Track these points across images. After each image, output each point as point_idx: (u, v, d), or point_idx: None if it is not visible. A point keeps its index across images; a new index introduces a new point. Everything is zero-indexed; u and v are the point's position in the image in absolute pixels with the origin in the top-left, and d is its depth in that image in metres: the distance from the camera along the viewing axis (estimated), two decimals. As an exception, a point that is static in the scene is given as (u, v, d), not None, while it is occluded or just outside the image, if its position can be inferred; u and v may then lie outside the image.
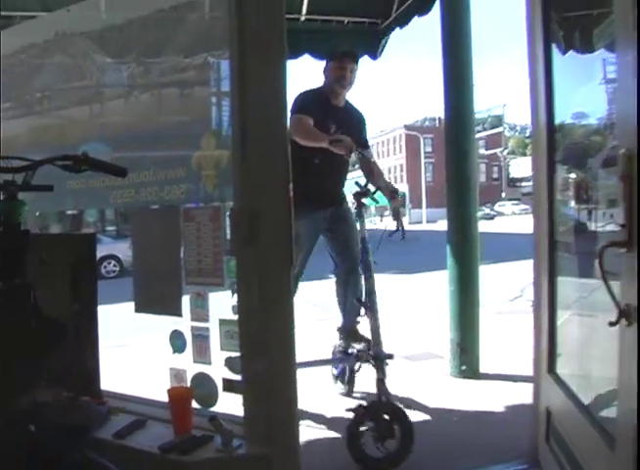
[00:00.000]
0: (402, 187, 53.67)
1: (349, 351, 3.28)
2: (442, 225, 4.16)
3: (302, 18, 4.76)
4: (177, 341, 2.39)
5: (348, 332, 3.38)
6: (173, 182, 2.33)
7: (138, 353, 4.48)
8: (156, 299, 2.40)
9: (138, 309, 2.47)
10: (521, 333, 3.57)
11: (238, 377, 2.19)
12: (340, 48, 3.67)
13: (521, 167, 61.33)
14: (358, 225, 3.13)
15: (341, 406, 2.94)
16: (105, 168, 1.90)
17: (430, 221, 40.27)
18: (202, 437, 2.15)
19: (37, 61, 2.82)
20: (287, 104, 2.09)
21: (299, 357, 2.16)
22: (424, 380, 3.80)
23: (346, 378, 3.51)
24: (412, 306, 6.93)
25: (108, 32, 2.55)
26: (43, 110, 2.82)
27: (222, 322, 2.25)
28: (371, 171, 3.37)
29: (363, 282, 3.09)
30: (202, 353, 2.31)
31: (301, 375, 2.79)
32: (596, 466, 1.73)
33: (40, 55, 2.81)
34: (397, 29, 4.71)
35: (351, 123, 3.48)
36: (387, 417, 2.57)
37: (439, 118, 57.47)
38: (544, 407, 2.32)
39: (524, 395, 2.82)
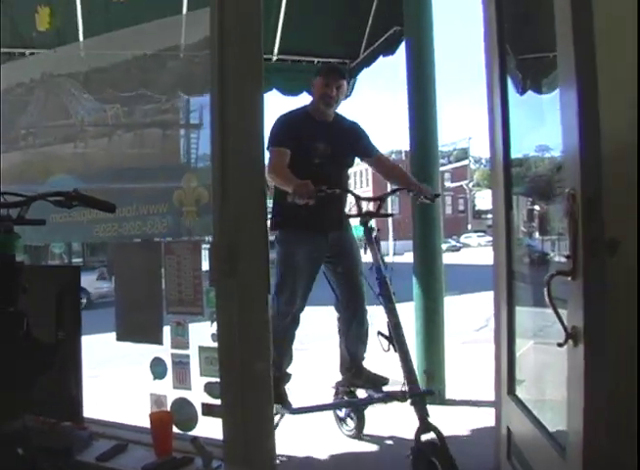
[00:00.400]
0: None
1: (352, 389, 3.20)
2: (410, 257, 4.28)
3: (274, 58, 4.97)
4: (158, 368, 2.51)
5: (355, 370, 3.22)
6: (156, 217, 2.47)
7: (116, 382, 4.50)
8: (137, 328, 2.50)
9: (120, 338, 2.57)
10: (485, 361, 3.71)
11: (217, 401, 2.31)
12: (327, 64, 3.57)
13: (486, 199, 62.24)
14: (368, 253, 2.91)
15: (352, 450, 3.00)
16: (95, 204, 2.03)
17: (397, 254, 40.65)
18: (182, 458, 2.26)
19: (23, 99, 2.95)
20: (263, 144, 2.26)
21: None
22: (393, 407, 3.92)
23: (355, 419, 3.31)
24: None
25: (93, 74, 2.70)
26: (27, 146, 2.94)
27: (202, 349, 2.36)
28: (395, 174, 3.41)
29: (386, 315, 2.80)
30: (182, 380, 2.43)
31: (299, 418, 2.91)
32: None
33: (26, 93, 2.94)
34: (364, 68, 4.98)
35: (344, 138, 3.28)
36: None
37: (405, 151, 58.45)
38: (505, 426, 2.47)
39: (487, 418, 2.96)
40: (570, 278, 1.63)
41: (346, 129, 3.35)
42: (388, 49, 4.63)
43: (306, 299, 3.12)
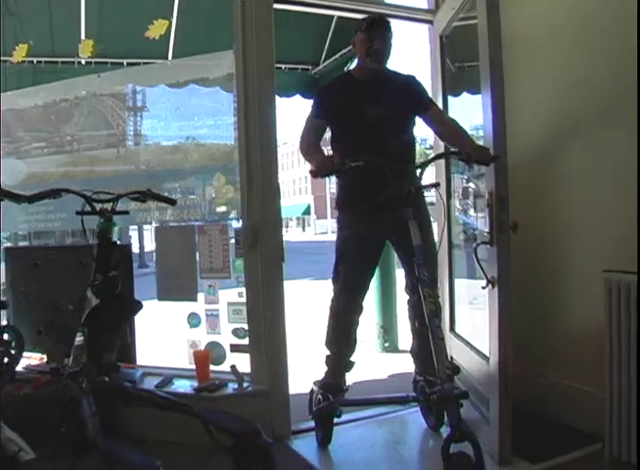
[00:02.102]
0: (307, 198, 55.44)
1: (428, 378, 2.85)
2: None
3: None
4: (193, 320, 3.33)
5: (423, 357, 2.93)
6: (191, 207, 3.29)
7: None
8: (176, 289, 3.31)
9: (161, 298, 3.37)
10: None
11: (242, 341, 3.17)
12: (368, 16, 3.06)
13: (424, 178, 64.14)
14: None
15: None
16: (162, 199, 2.83)
17: (335, 231, 41.75)
18: (219, 383, 3.11)
19: (68, 111, 3.67)
20: (276, 153, 3.09)
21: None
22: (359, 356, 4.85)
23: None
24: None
25: (133, 94, 3.47)
26: (73, 150, 3.68)
27: (230, 304, 3.21)
28: (452, 132, 2.89)
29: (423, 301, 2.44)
30: (213, 327, 3.27)
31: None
32: (479, 378, 2.85)
33: (70, 107, 3.67)
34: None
35: (398, 95, 2.94)
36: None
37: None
38: (450, 356, 3.42)
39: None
40: (489, 246, 2.57)
41: (400, 85, 3.01)
42: (350, 59, 5.47)
43: (366, 284, 3.02)
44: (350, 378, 3.10)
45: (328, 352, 3.07)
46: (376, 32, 2.90)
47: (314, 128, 2.95)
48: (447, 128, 2.96)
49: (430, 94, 3.19)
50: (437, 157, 3.09)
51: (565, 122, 3.05)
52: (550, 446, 2.71)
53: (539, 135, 3.16)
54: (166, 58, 4.35)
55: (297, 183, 58.26)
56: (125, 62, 4.29)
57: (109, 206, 2.68)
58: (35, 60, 4.23)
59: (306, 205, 54.55)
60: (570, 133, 3.03)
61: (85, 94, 3.60)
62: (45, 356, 3.57)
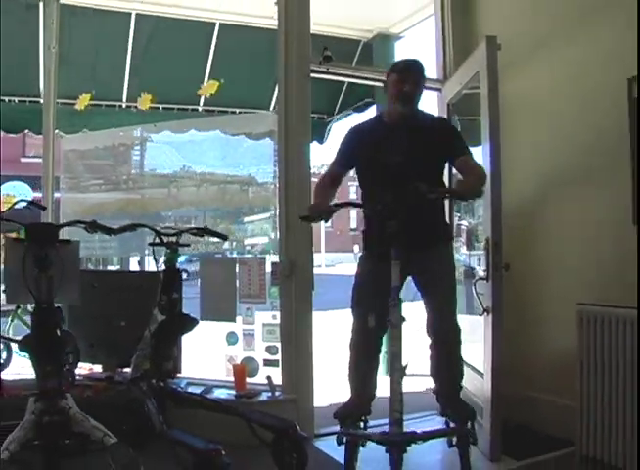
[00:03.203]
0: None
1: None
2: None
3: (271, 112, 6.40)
4: (232, 338, 3.88)
5: (441, 398, 3.10)
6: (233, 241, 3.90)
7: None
8: (218, 311, 3.87)
9: (204, 318, 3.91)
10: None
11: (273, 357, 3.72)
12: (402, 60, 3.14)
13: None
14: None
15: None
16: (216, 235, 3.42)
17: (328, 266, 42.41)
18: (255, 392, 3.65)
19: (125, 154, 4.28)
20: (310, 198, 3.67)
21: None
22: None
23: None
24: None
25: (184, 144, 4.08)
26: (128, 188, 4.27)
27: (265, 325, 3.78)
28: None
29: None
30: (249, 344, 3.83)
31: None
32: (474, 391, 3.42)
33: (126, 151, 4.28)
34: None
35: (425, 138, 2.92)
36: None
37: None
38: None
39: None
40: (485, 281, 3.17)
41: (430, 130, 3.00)
42: (360, 109, 6.13)
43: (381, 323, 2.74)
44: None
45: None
46: (409, 75, 2.95)
47: (333, 174, 3.12)
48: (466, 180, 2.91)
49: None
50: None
51: (552, 180, 3.68)
52: (532, 448, 3.25)
53: (530, 190, 3.78)
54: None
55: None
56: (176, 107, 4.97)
57: (173, 239, 3.27)
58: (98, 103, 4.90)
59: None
60: (555, 190, 3.65)
61: (141, 140, 4.20)
62: (93, 367, 4.09)
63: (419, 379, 4.55)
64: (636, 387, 2.75)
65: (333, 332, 4.86)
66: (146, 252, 4.19)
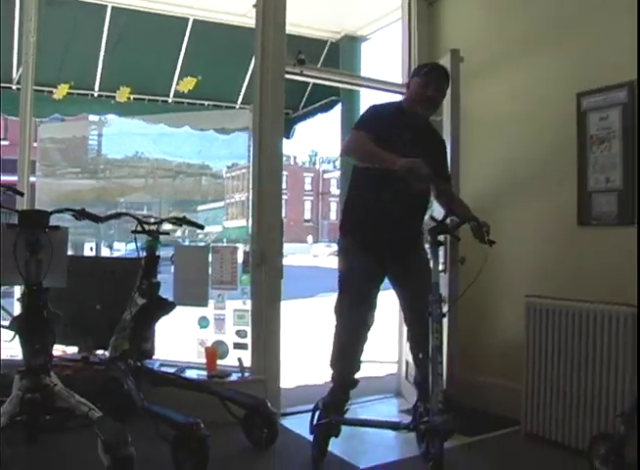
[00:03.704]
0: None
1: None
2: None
3: (237, 106, 6.60)
4: (203, 322, 4.10)
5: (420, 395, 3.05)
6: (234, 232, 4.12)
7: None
8: (191, 296, 4.06)
9: (178, 303, 4.10)
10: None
11: (243, 340, 3.95)
12: (428, 63, 3.22)
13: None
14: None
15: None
16: (192, 224, 3.62)
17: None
18: (225, 372, 3.88)
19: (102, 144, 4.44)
20: (281, 186, 3.91)
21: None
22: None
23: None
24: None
25: (163, 137, 4.26)
26: (105, 177, 4.43)
27: (235, 310, 4.00)
28: (452, 201, 3.04)
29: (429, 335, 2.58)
30: (220, 328, 4.05)
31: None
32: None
33: (104, 141, 4.43)
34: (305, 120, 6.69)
35: (430, 143, 3.05)
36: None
37: (294, 157, 61.07)
38: (404, 360, 4.29)
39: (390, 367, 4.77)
40: (443, 273, 3.47)
41: (435, 137, 3.18)
42: (325, 108, 6.37)
43: (371, 311, 3.03)
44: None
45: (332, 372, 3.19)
46: (433, 79, 2.97)
47: (365, 137, 2.87)
48: (445, 194, 3.10)
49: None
50: (460, 224, 2.95)
51: (506, 183, 4.00)
52: (482, 427, 3.58)
53: (486, 191, 4.09)
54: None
55: (244, 206, 58.86)
56: (147, 98, 5.13)
57: (154, 227, 3.47)
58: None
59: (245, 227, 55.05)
60: (509, 192, 3.98)
61: (119, 132, 4.36)
62: (65, 348, 4.24)
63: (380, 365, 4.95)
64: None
65: (293, 320, 5.10)
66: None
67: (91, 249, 6.57)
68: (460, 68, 3.52)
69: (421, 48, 4.47)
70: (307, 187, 63.01)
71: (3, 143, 14.92)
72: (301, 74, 4.12)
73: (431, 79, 2.97)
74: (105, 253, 9.84)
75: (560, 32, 3.61)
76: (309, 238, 56.31)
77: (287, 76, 4.01)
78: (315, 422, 3.02)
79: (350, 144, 2.97)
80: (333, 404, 3.05)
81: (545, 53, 3.70)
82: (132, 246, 3.49)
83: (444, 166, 3.20)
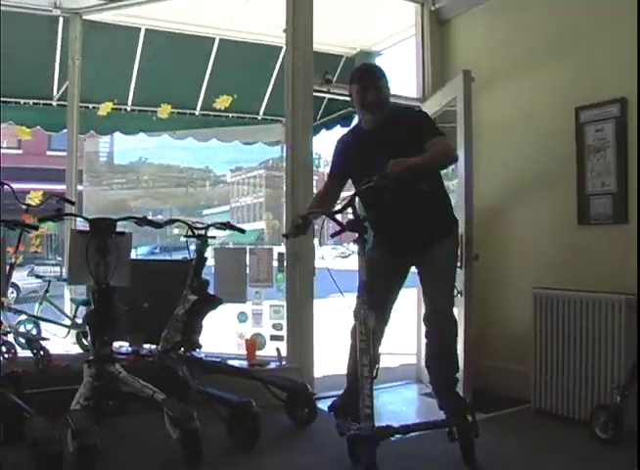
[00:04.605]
0: (260, 225, 56.36)
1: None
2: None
3: (259, 117, 7.01)
4: (242, 317, 4.53)
5: (436, 393, 3.25)
6: (248, 233, 4.54)
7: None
8: (230, 293, 4.48)
9: (218, 300, 4.55)
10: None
11: (278, 333, 4.38)
12: (358, 67, 3.31)
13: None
14: None
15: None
16: (236, 229, 4.06)
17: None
18: (264, 361, 4.31)
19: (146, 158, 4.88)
20: (313, 192, 4.33)
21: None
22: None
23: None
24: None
25: (200, 150, 4.70)
26: (148, 187, 4.87)
27: (272, 306, 4.44)
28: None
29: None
30: (257, 322, 4.48)
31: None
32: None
33: (148, 154, 4.87)
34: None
35: (398, 132, 2.94)
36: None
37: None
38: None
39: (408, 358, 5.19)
40: (460, 269, 3.90)
41: (403, 125, 3.00)
42: (344, 122, 6.73)
43: (387, 313, 3.18)
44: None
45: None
46: (367, 83, 2.99)
47: (326, 185, 3.32)
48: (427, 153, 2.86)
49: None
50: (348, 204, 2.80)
51: (513, 187, 4.44)
52: (496, 405, 4.00)
53: (495, 195, 4.53)
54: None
55: (252, 209, 59.32)
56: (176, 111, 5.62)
57: (203, 232, 3.90)
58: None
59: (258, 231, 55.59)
60: (516, 195, 4.42)
61: (161, 148, 4.80)
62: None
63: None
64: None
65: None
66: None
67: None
68: (471, 87, 3.94)
69: (434, 64, 4.90)
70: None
71: (16, 152, 15.51)
72: (328, 92, 4.55)
73: (364, 84, 3.02)
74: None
75: (560, 52, 4.04)
76: (315, 241, 56.45)
77: (315, 94, 4.44)
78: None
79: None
80: (346, 411, 3.05)
81: (546, 71, 4.14)
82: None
83: (424, 131, 2.98)
